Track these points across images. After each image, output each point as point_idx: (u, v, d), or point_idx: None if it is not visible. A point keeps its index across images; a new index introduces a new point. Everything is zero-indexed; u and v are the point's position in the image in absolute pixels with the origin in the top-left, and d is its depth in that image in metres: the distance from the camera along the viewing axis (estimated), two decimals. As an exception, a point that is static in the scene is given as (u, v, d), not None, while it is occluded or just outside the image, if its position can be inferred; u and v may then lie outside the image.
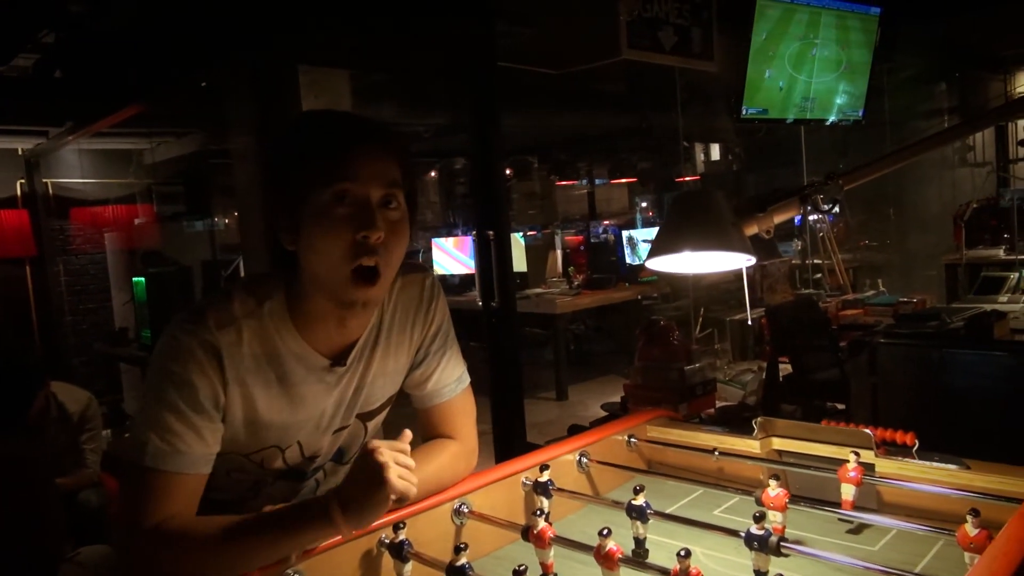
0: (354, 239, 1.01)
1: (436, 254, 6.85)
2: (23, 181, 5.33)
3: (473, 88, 3.19)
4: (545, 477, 1.24)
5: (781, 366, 4.01)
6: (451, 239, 6.90)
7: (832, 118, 4.34)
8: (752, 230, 1.10)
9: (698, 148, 8.50)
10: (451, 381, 1.26)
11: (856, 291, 5.24)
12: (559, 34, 3.68)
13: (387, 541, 1.06)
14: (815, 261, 5.66)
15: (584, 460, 1.37)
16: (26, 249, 5.08)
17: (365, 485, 0.94)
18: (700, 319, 6.01)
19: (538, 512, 1.04)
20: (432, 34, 3.10)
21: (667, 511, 1.28)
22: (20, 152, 5.30)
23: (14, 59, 3.64)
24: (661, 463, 1.49)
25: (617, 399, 3.83)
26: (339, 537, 1.00)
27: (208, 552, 0.95)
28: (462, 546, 0.96)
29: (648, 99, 5.24)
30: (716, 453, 1.35)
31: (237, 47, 3.09)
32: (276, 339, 1.08)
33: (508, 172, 8.84)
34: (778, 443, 1.36)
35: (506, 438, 3.48)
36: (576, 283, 6.07)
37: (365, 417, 1.22)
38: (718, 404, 4.01)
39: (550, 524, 1.07)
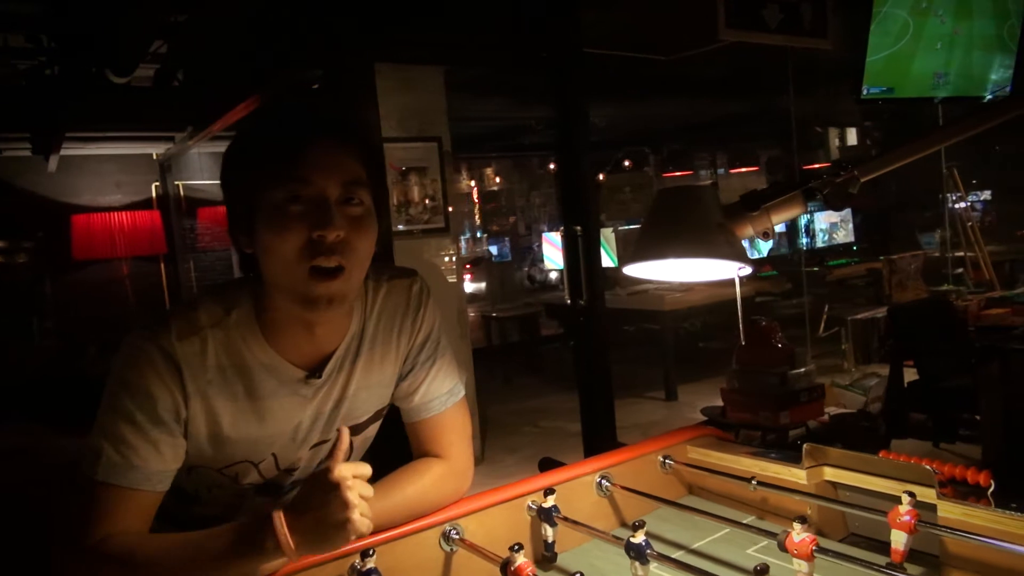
0: (310, 238, 0.95)
1: (546, 248, 6.77)
2: (157, 184, 5.72)
3: (557, 79, 3.07)
4: (550, 502, 1.12)
5: (907, 371, 3.64)
6: (559, 233, 6.79)
7: (969, 95, 3.88)
8: (746, 232, 0.93)
9: (832, 133, 7.95)
10: (440, 394, 1.17)
11: (1005, 287, 4.69)
12: (653, 17, 3.48)
13: (358, 568, 0.98)
14: (958, 254, 5.12)
15: (605, 483, 1.24)
16: (159, 247, 5.44)
17: (325, 520, 0.86)
18: (824, 317, 5.60)
19: (516, 547, 0.93)
20: (513, 24, 3.01)
21: (692, 546, 1.14)
22: (155, 157, 5.69)
23: (134, 71, 3.85)
24: (703, 489, 1.33)
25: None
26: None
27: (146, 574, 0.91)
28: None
29: (763, 83, 4.91)
30: (754, 483, 1.18)
31: (336, 47, 3.13)
32: (243, 349, 1.02)
33: (627, 163, 8.63)
34: (831, 474, 1.18)
35: (595, 439, 3.35)
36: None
37: (350, 432, 1.14)
38: (834, 411, 3.69)
39: (554, 557, 1.03)
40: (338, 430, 0.96)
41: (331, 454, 0.91)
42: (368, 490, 0.90)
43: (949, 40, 3.61)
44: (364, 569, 0.96)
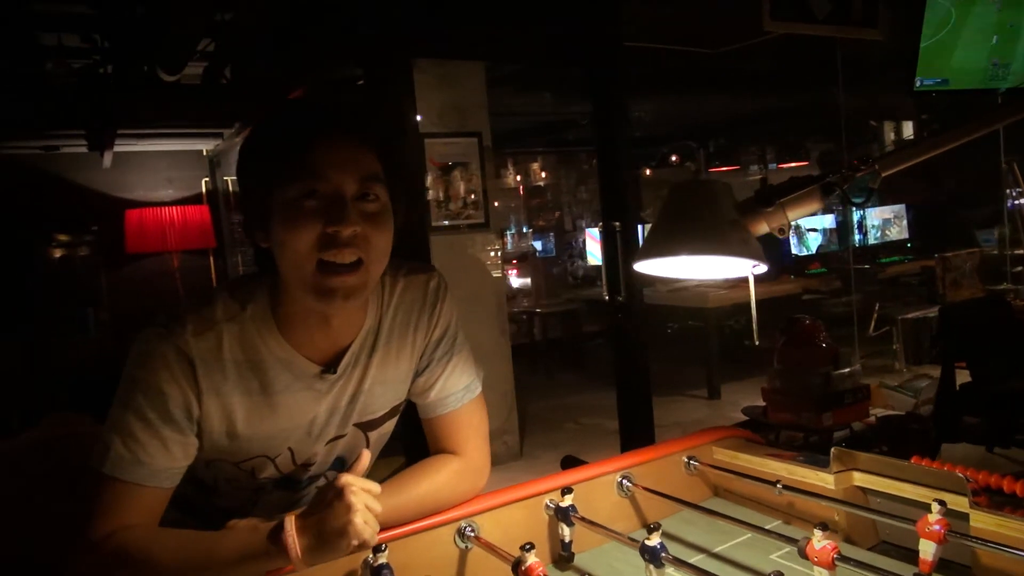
0: (323, 232, 0.95)
1: (589, 244, 6.73)
2: (207, 179, 5.84)
3: (595, 73, 3.04)
4: (567, 502, 1.11)
5: (958, 372, 3.51)
6: (604, 229, 6.74)
7: (1031, 85, 3.71)
8: (760, 228, 0.90)
9: (888, 127, 7.72)
10: (456, 390, 1.16)
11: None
12: (695, 10, 3.42)
13: (370, 563, 0.98)
14: (1017, 252, 4.91)
15: (626, 483, 1.22)
16: (208, 242, 5.55)
17: (326, 525, 0.87)
18: (875, 316, 5.45)
19: (528, 547, 0.92)
20: (552, 18, 2.99)
21: (713, 550, 1.11)
22: (204, 153, 5.81)
23: (184, 69, 3.94)
24: (728, 491, 1.30)
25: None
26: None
27: (151, 573, 0.91)
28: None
29: (811, 76, 4.78)
30: (779, 486, 1.14)
31: (375, 43, 3.14)
32: (259, 344, 1.03)
33: (673, 159, 8.52)
34: (861, 479, 1.14)
35: (632, 437, 3.31)
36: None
37: (365, 427, 1.15)
38: (882, 413, 3.58)
39: (571, 557, 1.03)
40: (361, 452, 0.97)
41: (349, 468, 0.92)
42: (375, 504, 0.90)
43: (1005, 29, 3.46)
44: (376, 564, 0.96)
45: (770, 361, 3.18)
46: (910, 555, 1.01)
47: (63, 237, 5.45)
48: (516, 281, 9.66)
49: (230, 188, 5.92)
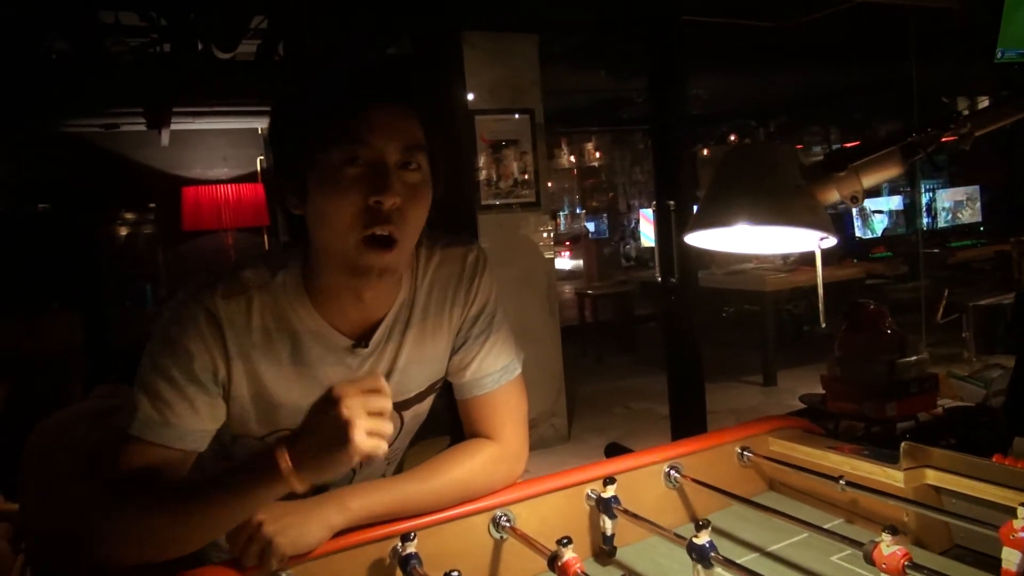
0: (365, 204, 0.91)
1: (643, 225, 6.59)
2: (262, 158, 5.89)
3: (652, 48, 2.92)
4: (610, 492, 1.04)
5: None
6: (659, 210, 6.59)
7: None
8: (830, 196, 0.80)
9: (962, 103, 7.35)
10: (494, 371, 1.10)
11: None
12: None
13: (399, 551, 0.93)
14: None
15: (674, 474, 1.14)
16: (262, 220, 5.61)
17: (324, 440, 0.81)
18: (943, 303, 5.21)
19: (564, 541, 0.86)
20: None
21: (768, 549, 1.03)
22: (259, 131, 5.85)
23: (238, 46, 3.95)
24: (784, 485, 1.21)
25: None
26: (335, 540, 0.90)
27: (158, 512, 0.89)
28: None
29: (881, 49, 4.55)
30: (842, 483, 1.05)
31: (415, 14, 3.10)
32: (289, 313, 0.99)
33: (732, 138, 8.29)
34: (934, 477, 1.04)
35: (683, 423, 3.22)
36: (791, 258, 5.50)
37: (400, 406, 1.09)
38: (949, 404, 3.41)
39: (613, 551, 0.96)
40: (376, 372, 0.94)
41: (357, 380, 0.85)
42: (380, 403, 0.83)
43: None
44: (404, 553, 0.91)
45: (830, 348, 3.06)
46: (989, 562, 0.92)
47: (129, 215, 5.58)
48: (568, 263, 9.56)
49: (285, 166, 5.97)
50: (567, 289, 8.22)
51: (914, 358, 2.86)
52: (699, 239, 0.87)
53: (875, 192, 7.07)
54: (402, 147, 0.93)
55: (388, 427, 0.83)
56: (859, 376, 2.86)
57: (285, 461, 0.82)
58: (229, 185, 5.43)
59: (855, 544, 0.91)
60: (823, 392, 3.30)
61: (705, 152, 8.43)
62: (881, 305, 2.98)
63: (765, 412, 4.73)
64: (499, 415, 1.09)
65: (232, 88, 4.57)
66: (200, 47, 4.08)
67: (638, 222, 6.98)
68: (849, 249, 5.63)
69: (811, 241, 0.83)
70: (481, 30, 3.16)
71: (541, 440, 4.10)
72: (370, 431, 0.81)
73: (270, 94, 5.05)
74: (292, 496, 0.87)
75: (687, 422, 3.18)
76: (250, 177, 5.81)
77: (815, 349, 5.85)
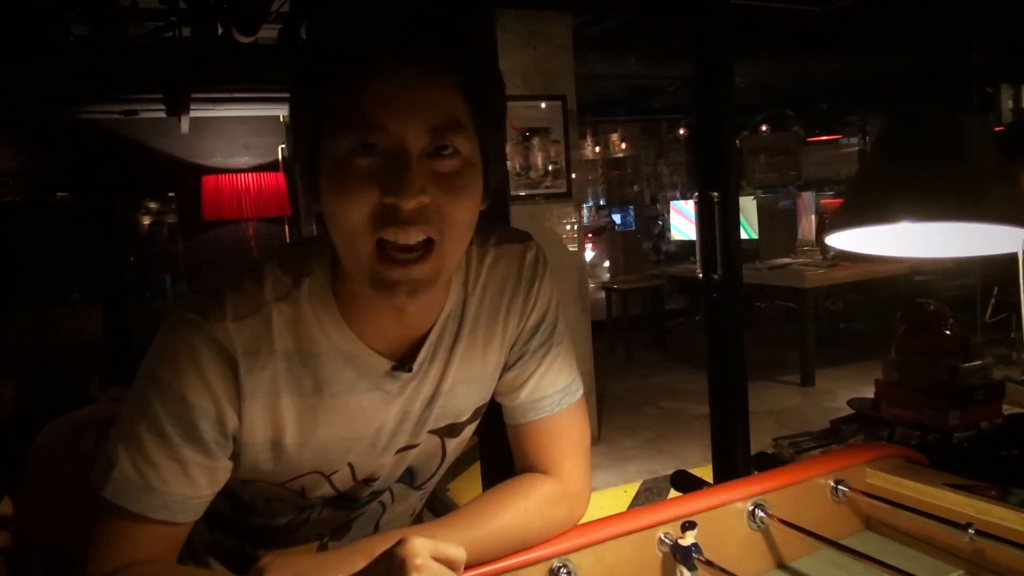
0: (381, 203, 0.70)
1: (674, 218, 6.39)
2: (283, 146, 5.76)
3: (698, 29, 2.72)
4: (689, 540, 0.87)
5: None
6: (690, 202, 6.38)
7: None
8: None
9: (1006, 92, 7.05)
10: (553, 391, 0.91)
11: None
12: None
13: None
14: None
15: (760, 514, 0.97)
16: (283, 210, 5.48)
17: None
18: (992, 301, 4.97)
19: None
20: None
21: (879, 612, 0.85)
22: (281, 119, 5.72)
23: (259, 30, 3.81)
24: (885, 526, 1.04)
25: (871, 394, 3.20)
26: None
27: None
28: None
29: (937, 34, 4.31)
30: (971, 532, 0.88)
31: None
32: (316, 330, 0.79)
33: (764, 128, 8.04)
34: (1084, 528, 0.86)
35: (725, 425, 3.04)
36: (832, 253, 5.28)
37: (443, 432, 0.92)
38: (1007, 411, 3.20)
39: None
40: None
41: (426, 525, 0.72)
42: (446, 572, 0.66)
43: None
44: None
45: (870, 347, 2.87)
46: None
47: (148, 204, 5.47)
48: (591, 256, 9.36)
49: (306, 155, 5.84)
50: (591, 283, 8.04)
51: (978, 363, 2.66)
52: (844, 239, 0.69)
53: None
54: (430, 128, 0.70)
55: None
56: (919, 381, 2.66)
57: None
58: (250, 174, 5.30)
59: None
60: (872, 396, 3.10)
61: (736, 143, 8.19)
62: (942, 305, 2.78)
63: (804, 414, 4.54)
64: (558, 445, 0.91)
65: (253, 73, 4.44)
66: (220, 31, 3.95)
67: (668, 214, 6.76)
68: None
69: (1008, 242, 0.64)
70: (519, 7, 2.97)
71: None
72: None
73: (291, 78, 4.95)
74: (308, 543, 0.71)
75: (729, 426, 2.99)
76: (272, 166, 5.69)
77: (853, 348, 5.65)
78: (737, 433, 3.05)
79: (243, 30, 3.89)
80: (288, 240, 5.76)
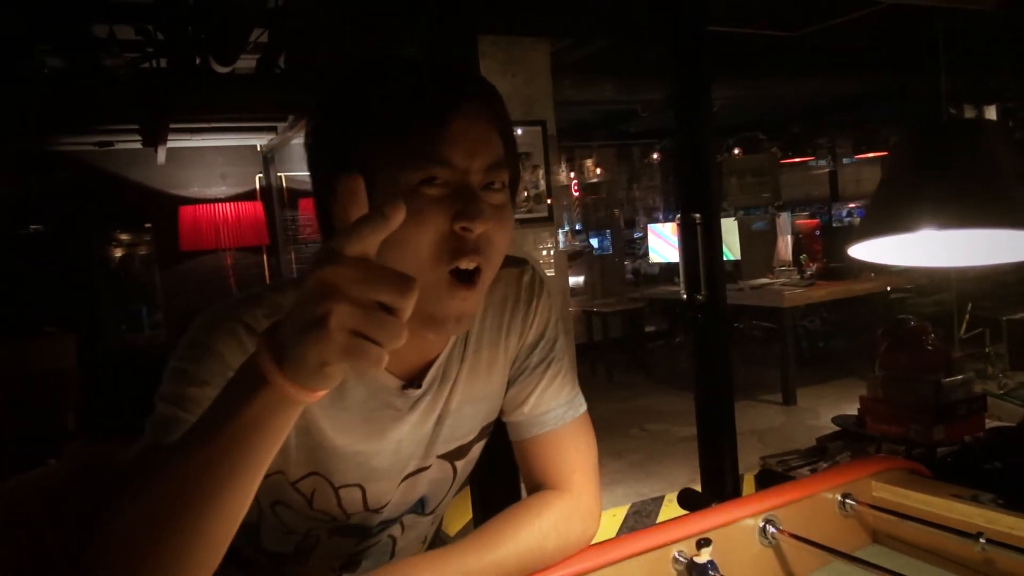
0: (450, 231, 0.74)
1: (652, 240, 6.44)
2: (261, 175, 5.73)
3: (677, 51, 2.77)
4: (704, 557, 0.87)
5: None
6: (668, 225, 6.45)
7: None
8: None
9: (969, 112, 7.25)
10: (556, 405, 0.93)
11: None
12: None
13: (460, 639, 0.76)
14: None
15: (771, 529, 0.97)
16: (262, 239, 5.44)
17: (299, 316, 0.56)
18: (967, 317, 5.06)
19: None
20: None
21: (896, 624, 0.85)
22: (259, 148, 5.70)
23: (237, 60, 3.80)
24: (892, 538, 1.04)
25: (854, 410, 3.23)
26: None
27: (151, 489, 0.62)
28: None
29: (903, 56, 4.43)
30: (982, 541, 0.88)
31: (426, 18, 2.95)
32: None
33: (736, 152, 8.16)
34: (1092, 534, 0.87)
35: (713, 446, 3.04)
36: (808, 273, 5.35)
37: (452, 456, 0.92)
38: (989, 425, 3.25)
39: None
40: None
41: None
42: (399, 298, 0.56)
43: None
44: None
45: (847, 365, 2.91)
46: None
47: (124, 236, 5.41)
48: (569, 280, 9.41)
49: (284, 184, 5.81)
50: (571, 308, 8.05)
51: (960, 377, 2.70)
52: (867, 250, 0.70)
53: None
54: (487, 165, 0.76)
55: (389, 330, 0.55)
56: (904, 397, 2.69)
57: (273, 369, 0.57)
58: (228, 204, 5.27)
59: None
60: (856, 413, 3.14)
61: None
62: (923, 322, 2.82)
63: (788, 433, 4.57)
64: (566, 459, 0.92)
65: (232, 103, 4.43)
66: (198, 61, 3.94)
67: (645, 238, 6.81)
68: (867, 262, 5.48)
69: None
70: (500, 34, 3.00)
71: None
72: (356, 327, 0.54)
73: (271, 108, 4.88)
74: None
75: (716, 446, 3.00)
76: (249, 195, 5.66)
77: (832, 366, 5.71)
78: (725, 453, 3.07)
79: (221, 60, 3.89)
80: (266, 268, 5.72)
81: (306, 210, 5.83)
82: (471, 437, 0.93)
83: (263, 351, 0.58)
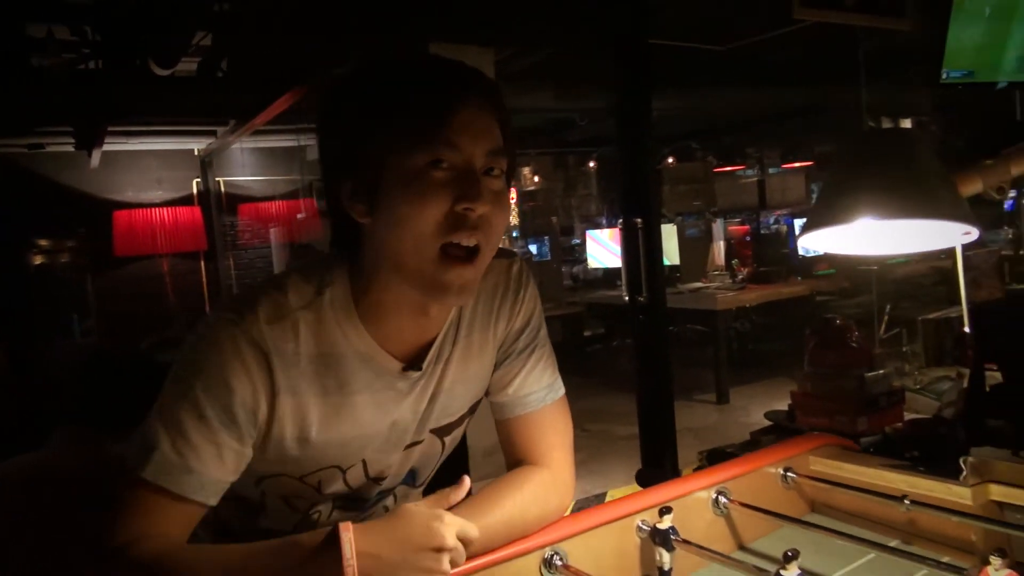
0: (451, 210, 0.82)
1: (590, 246, 6.59)
2: (198, 180, 5.65)
3: (620, 62, 2.90)
4: (666, 523, 0.96)
5: (988, 374, 3.40)
6: (606, 231, 6.61)
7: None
8: (973, 187, 0.75)
9: (886, 124, 7.65)
10: (538, 388, 1.01)
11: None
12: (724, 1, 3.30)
13: (451, 601, 0.83)
14: (1032, 251, 4.83)
15: (723, 500, 1.07)
16: (199, 244, 5.37)
17: (407, 564, 0.75)
18: (886, 318, 5.35)
19: (660, 571, 0.77)
20: (576, 5, 2.86)
21: (833, 577, 0.96)
22: (196, 153, 5.62)
23: (178, 63, 3.77)
24: (828, 506, 1.16)
25: (784, 406, 3.41)
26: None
27: None
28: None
29: (827, 71, 4.68)
30: (906, 502, 1.00)
31: (373, 27, 3.00)
32: (338, 335, 0.88)
33: (670, 160, 8.41)
34: (999, 492, 1.00)
35: (654, 444, 3.17)
36: (740, 277, 5.58)
37: (441, 432, 1.00)
38: (907, 417, 3.47)
39: None
40: (462, 479, 0.85)
41: (446, 498, 0.81)
42: (462, 558, 0.80)
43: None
44: (460, 603, 0.81)
45: (777, 365, 3.08)
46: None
47: (44, 243, 5.25)
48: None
49: (222, 189, 5.74)
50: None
51: (881, 372, 2.88)
52: (816, 239, 0.80)
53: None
54: (487, 151, 0.84)
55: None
56: (831, 391, 2.86)
57: (352, 558, 0.72)
58: (165, 208, 5.18)
59: (929, 564, 0.86)
60: (786, 408, 3.30)
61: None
62: (848, 321, 3.00)
63: (723, 430, 4.75)
64: (546, 437, 1.00)
65: (170, 106, 4.37)
66: (137, 63, 3.88)
67: (583, 244, 6.97)
68: (793, 266, 5.74)
69: (952, 236, 0.76)
70: (446, 42, 3.07)
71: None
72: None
73: (212, 112, 4.82)
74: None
75: (658, 443, 3.12)
76: (186, 200, 5.58)
77: (762, 367, 5.94)
78: (665, 449, 3.19)
79: (161, 63, 3.84)
80: (204, 273, 5.64)
81: (245, 215, 5.77)
82: (460, 414, 1.01)
83: (350, 554, 0.72)
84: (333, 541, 0.73)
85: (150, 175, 5.48)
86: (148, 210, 5.14)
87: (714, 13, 3.78)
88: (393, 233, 0.83)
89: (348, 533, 0.73)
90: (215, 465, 0.82)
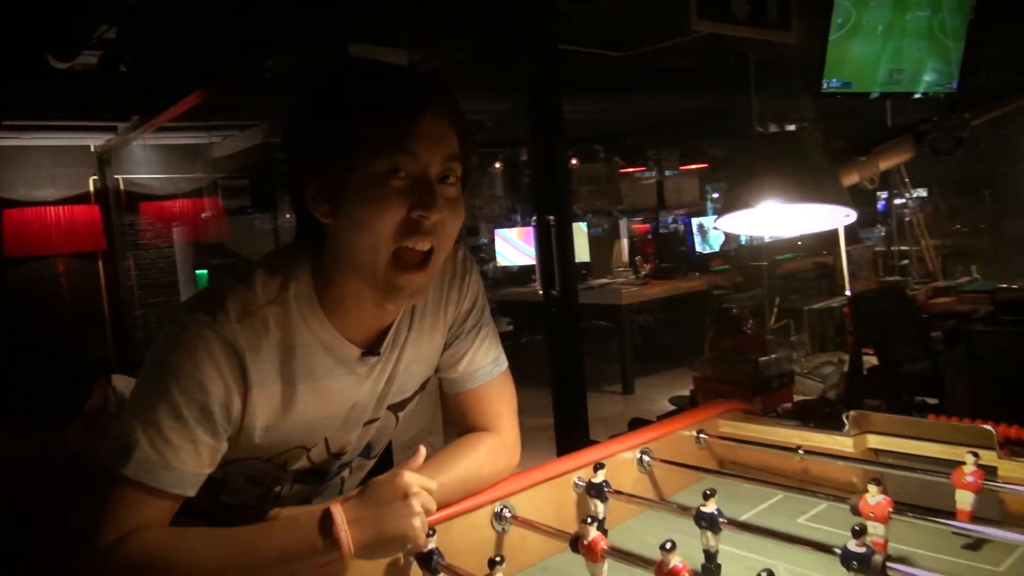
0: (407, 216, 0.88)
1: (499, 245, 6.73)
2: (95, 177, 5.43)
3: (533, 65, 3.04)
4: (600, 477, 1.09)
5: (865, 358, 3.75)
6: (515, 230, 6.77)
7: (921, 91, 4.00)
8: (851, 178, 0.92)
9: (773, 130, 8.14)
10: (486, 363, 1.12)
11: (946, 278, 4.87)
12: (626, 9, 3.49)
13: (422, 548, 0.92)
14: (902, 248, 5.31)
15: (646, 459, 1.21)
16: (97, 243, 5.17)
17: (385, 525, 0.83)
18: (776, 310, 5.73)
19: (590, 520, 0.89)
20: (490, 10, 2.97)
21: (742, 519, 1.12)
22: (92, 149, 5.41)
23: (78, 56, 3.65)
24: (735, 463, 1.32)
25: (686, 392, 3.64)
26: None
27: None
28: (497, 559, 0.82)
29: (720, 79, 4.98)
30: (800, 452, 1.17)
31: (291, 28, 3.03)
32: (303, 327, 0.94)
33: (574, 161, 8.66)
34: (875, 441, 1.18)
35: (568, 433, 3.32)
36: (643, 273, 5.85)
37: (396, 407, 1.09)
38: (796, 398, 3.77)
39: (604, 533, 0.92)
40: (418, 449, 0.92)
41: (406, 464, 0.88)
42: (432, 503, 0.87)
43: (910, 33, 3.71)
44: (427, 549, 0.90)
45: (679, 356, 3.29)
46: (928, 512, 1.05)
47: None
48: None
49: (121, 186, 5.54)
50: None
51: (773, 356, 3.14)
52: (730, 222, 0.94)
53: (704, 212, 7.64)
54: (443, 159, 0.90)
55: (426, 524, 0.86)
56: (729, 374, 3.10)
57: (345, 533, 0.81)
58: (61, 207, 4.97)
59: (832, 498, 1.02)
60: (688, 394, 3.54)
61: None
62: (744, 310, 3.25)
63: (629, 418, 4.98)
64: (494, 407, 1.11)
65: (69, 101, 4.21)
66: (34, 54, 3.74)
67: (491, 243, 7.11)
68: (691, 263, 6.06)
69: (836, 218, 0.92)
70: (365, 43, 3.12)
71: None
72: (423, 523, 0.85)
73: (114, 109, 4.66)
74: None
75: (571, 432, 3.28)
76: (82, 198, 5.35)
77: (664, 358, 6.24)
78: (579, 437, 3.35)
79: (59, 55, 3.72)
80: (102, 274, 5.43)
81: (147, 214, 5.60)
82: (414, 391, 1.10)
83: (346, 537, 0.81)
84: (327, 518, 0.82)
85: (41, 172, 5.21)
86: (42, 208, 4.91)
87: (617, 22, 3.98)
88: (352, 235, 0.89)
89: (337, 507, 0.83)
90: (193, 460, 0.87)
